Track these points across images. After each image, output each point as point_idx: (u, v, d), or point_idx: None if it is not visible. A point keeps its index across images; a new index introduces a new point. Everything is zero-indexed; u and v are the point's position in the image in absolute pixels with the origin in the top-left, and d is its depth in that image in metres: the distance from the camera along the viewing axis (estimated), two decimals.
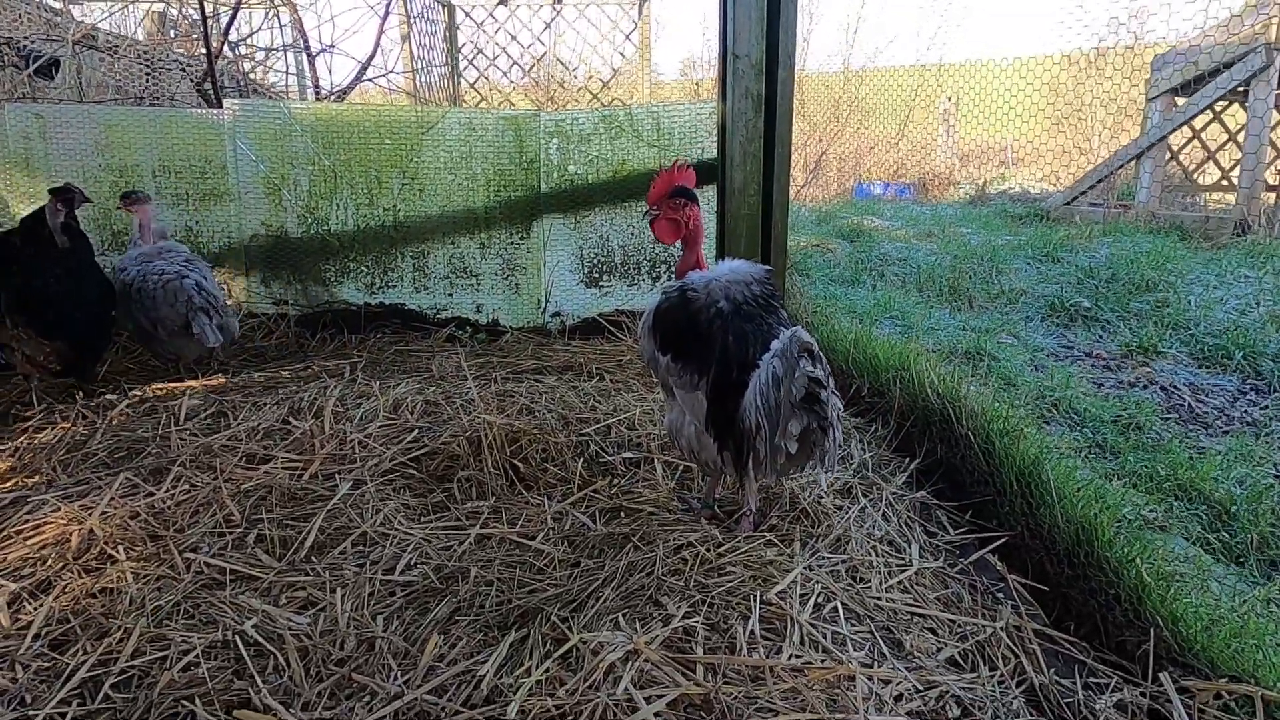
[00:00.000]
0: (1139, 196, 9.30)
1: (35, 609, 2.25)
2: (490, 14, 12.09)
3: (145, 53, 7.28)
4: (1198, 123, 9.46)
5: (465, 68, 12.47)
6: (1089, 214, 9.19)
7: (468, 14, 12.11)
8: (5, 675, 1.99)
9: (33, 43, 6.79)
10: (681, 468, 3.19)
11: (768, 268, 2.71)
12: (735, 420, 2.41)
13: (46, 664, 2.05)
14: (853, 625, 2.21)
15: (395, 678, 2.03)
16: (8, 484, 2.94)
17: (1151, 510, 3.28)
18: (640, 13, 11.74)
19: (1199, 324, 5.45)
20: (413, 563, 2.53)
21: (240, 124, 4.62)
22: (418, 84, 10.95)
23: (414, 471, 3.11)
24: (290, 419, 3.49)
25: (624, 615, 2.19)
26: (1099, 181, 9.66)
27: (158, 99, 6.98)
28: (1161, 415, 4.38)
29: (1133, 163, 9.52)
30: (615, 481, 3.07)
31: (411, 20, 11.16)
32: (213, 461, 3.08)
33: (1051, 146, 12.80)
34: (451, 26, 12.24)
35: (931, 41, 29.19)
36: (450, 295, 4.88)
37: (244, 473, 3.02)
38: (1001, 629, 2.25)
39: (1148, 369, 4.96)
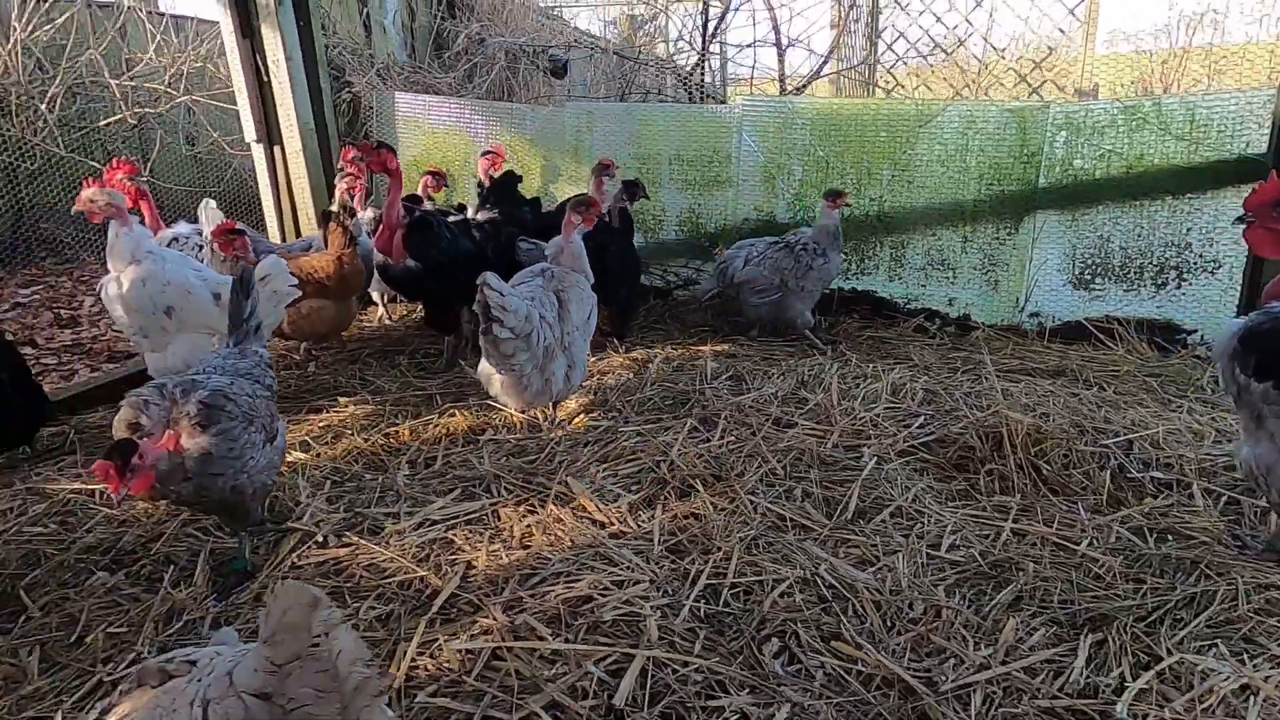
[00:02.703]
0: None
1: (649, 519, 2.78)
2: None
3: (637, 54, 8.37)
4: None
5: (883, 52, 12.32)
6: None
7: None
8: (647, 569, 2.50)
9: (555, 49, 8.19)
10: (1226, 498, 2.90)
11: None
12: None
13: (672, 566, 2.54)
14: None
15: (974, 647, 2.17)
16: (595, 414, 3.65)
17: None
18: None
19: None
20: (956, 544, 2.66)
21: (746, 117, 5.11)
22: (840, 71, 11.07)
23: (928, 456, 3.24)
24: (800, 389, 3.83)
25: (1221, 644, 2.08)
26: None
27: (648, 94, 8.00)
28: None
29: None
30: (1149, 500, 2.89)
31: (844, 7, 11.30)
32: (746, 419, 3.52)
33: None
34: (874, 10, 12.16)
35: None
36: (924, 286, 4.94)
37: (775, 433, 3.40)
38: None
39: None
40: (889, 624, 2.30)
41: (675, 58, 8.23)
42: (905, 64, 12.27)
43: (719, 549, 2.59)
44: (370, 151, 4.03)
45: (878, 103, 5.13)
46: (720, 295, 4.68)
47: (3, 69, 6.85)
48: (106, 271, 3.74)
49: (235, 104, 8.04)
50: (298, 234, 5.87)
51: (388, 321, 5.49)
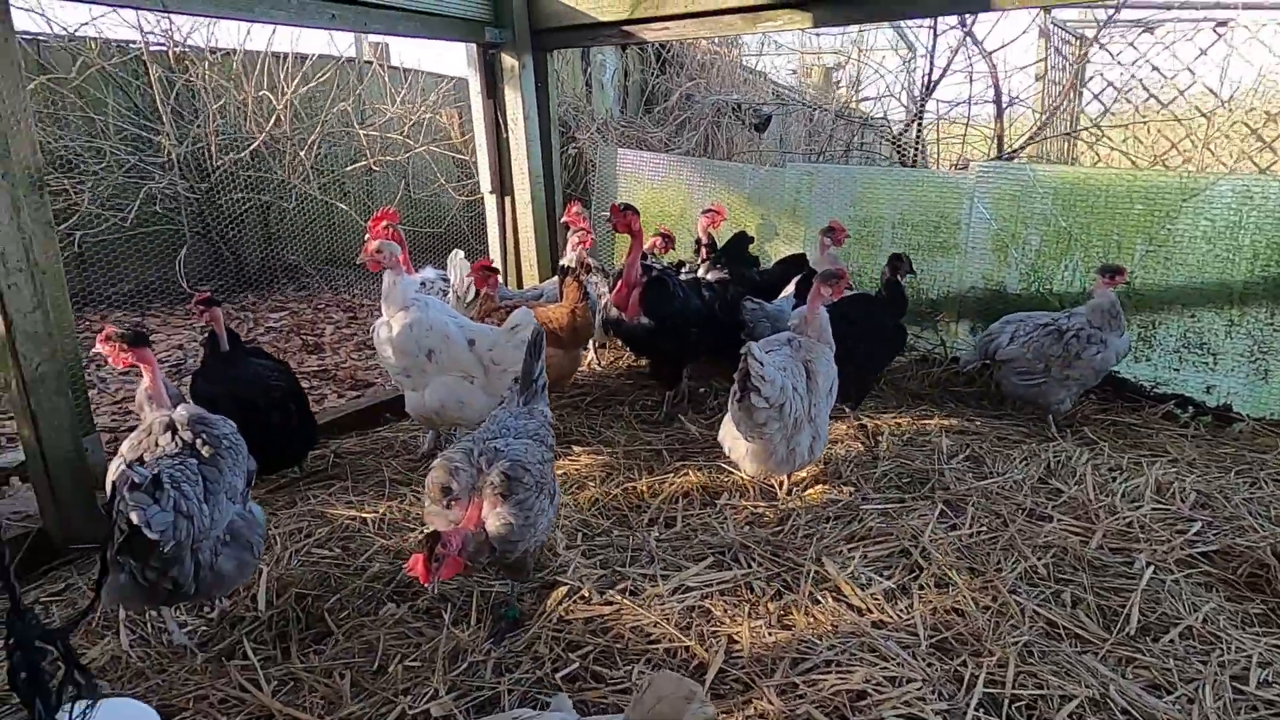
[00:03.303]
0: None
1: (907, 609, 2.69)
2: (1130, 44, 11.06)
3: (843, 109, 8.37)
4: None
5: (1089, 101, 11.61)
6: None
7: (1103, 45, 11.26)
8: (917, 666, 2.41)
9: (762, 105, 8.33)
10: None
11: None
12: None
13: (943, 667, 2.43)
14: None
15: None
16: (828, 486, 3.60)
17: None
18: None
19: None
20: (1267, 679, 2.39)
21: (981, 184, 4.95)
22: (1070, 134, 10.53)
23: (1211, 569, 2.95)
24: (1050, 478, 3.61)
25: None
26: None
27: (848, 148, 7.96)
28: None
29: None
30: None
31: (1050, 61, 10.77)
32: (995, 507, 3.35)
33: None
34: (1081, 60, 11.51)
35: None
36: (1176, 370, 4.55)
37: (1029, 525, 3.21)
38: None
39: None
40: None
41: (870, 108, 8.15)
42: (1113, 115, 11.50)
43: (990, 652, 2.46)
44: (617, 214, 4.23)
45: (1134, 173, 4.81)
46: (982, 368, 4.54)
47: (275, 122, 7.76)
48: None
49: (456, 152, 8.74)
50: (519, 280, 6.23)
51: (597, 367, 5.68)
